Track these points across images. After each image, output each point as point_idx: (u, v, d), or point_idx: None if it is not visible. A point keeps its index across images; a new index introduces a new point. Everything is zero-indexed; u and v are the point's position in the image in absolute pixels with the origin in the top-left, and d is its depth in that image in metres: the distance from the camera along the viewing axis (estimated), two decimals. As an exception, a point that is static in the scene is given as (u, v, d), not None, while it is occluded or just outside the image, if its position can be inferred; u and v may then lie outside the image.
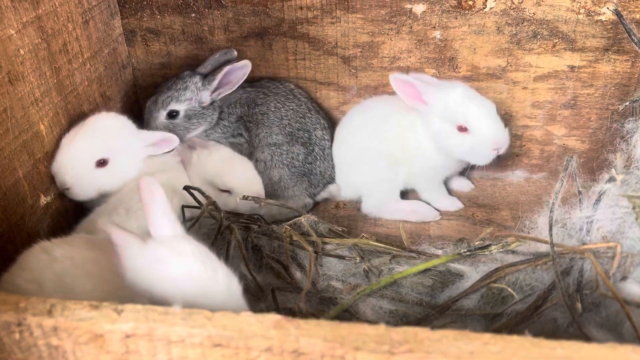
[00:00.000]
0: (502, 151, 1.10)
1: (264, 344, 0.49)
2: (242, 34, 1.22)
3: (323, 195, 1.26)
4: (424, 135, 1.15)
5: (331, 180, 1.26)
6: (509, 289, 0.74)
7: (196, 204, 0.97)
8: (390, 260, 0.90)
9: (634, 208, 0.66)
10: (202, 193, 0.95)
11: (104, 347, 0.52)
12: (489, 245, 0.82)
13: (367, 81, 1.25)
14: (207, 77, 1.16)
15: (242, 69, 1.15)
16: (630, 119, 0.90)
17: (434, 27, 1.17)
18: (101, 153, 0.98)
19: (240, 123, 1.21)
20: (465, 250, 0.83)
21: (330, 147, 1.26)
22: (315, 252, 0.92)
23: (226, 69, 1.14)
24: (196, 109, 1.16)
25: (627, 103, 0.95)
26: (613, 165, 0.86)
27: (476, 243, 0.84)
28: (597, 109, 1.22)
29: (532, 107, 1.25)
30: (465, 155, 1.12)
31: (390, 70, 1.23)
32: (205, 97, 1.16)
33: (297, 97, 1.24)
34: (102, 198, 1.01)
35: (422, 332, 0.49)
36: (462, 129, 1.09)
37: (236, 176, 1.09)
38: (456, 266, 0.84)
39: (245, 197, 0.98)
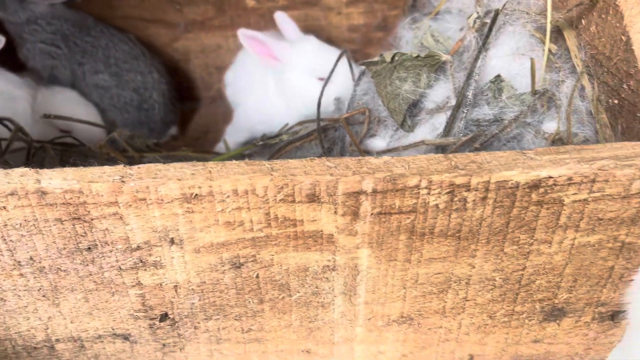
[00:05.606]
0: None
1: (8, 189, 0.55)
2: (60, -26, 1.23)
3: (164, 139, 1.30)
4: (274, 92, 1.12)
5: (173, 123, 1.30)
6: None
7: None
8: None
9: (372, 74, 0.77)
10: (11, 121, 0.97)
11: None
12: (280, 134, 0.92)
13: (192, 16, 1.31)
14: None
15: None
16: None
17: (246, -42, 1.25)
18: None
19: (60, 37, 1.20)
20: (259, 141, 0.92)
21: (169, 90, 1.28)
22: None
23: None
24: None
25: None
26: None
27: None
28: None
29: (349, 31, 1.36)
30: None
31: (212, 3, 1.29)
32: None
33: (134, 41, 1.26)
34: None
35: (155, 166, 0.57)
36: (321, 79, 1.01)
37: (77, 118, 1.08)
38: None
39: (46, 116, 1.00)
